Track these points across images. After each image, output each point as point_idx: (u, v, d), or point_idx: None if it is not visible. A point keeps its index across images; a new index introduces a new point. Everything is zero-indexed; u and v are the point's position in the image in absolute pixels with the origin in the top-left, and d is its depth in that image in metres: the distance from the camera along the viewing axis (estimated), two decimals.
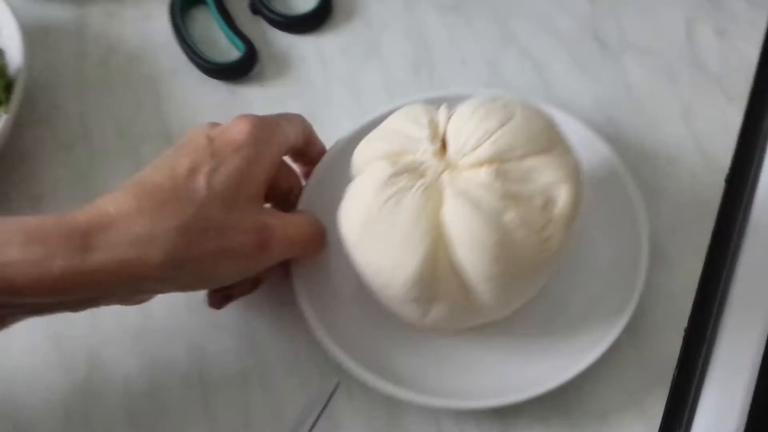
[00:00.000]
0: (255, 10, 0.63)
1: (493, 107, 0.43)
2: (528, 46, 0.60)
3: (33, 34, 0.59)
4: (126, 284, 0.40)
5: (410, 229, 0.40)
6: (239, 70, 0.60)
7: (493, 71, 0.59)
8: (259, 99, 0.60)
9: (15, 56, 0.56)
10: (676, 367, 0.47)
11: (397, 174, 0.41)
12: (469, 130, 0.42)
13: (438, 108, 0.44)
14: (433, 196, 0.41)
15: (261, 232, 0.43)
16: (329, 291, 0.48)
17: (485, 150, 0.41)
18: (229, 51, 0.61)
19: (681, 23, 0.59)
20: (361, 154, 0.45)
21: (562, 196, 0.41)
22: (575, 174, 0.42)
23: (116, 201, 0.40)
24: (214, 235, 0.41)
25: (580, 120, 0.51)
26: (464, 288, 0.41)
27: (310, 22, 0.62)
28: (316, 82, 0.60)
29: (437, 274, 0.41)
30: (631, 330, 0.46)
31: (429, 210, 0.41)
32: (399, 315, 0.45)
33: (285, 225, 0.45)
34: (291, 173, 0.50)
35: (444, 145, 0.43)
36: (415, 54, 0.60)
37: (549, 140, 0.43)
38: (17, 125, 0.56)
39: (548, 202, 0.41)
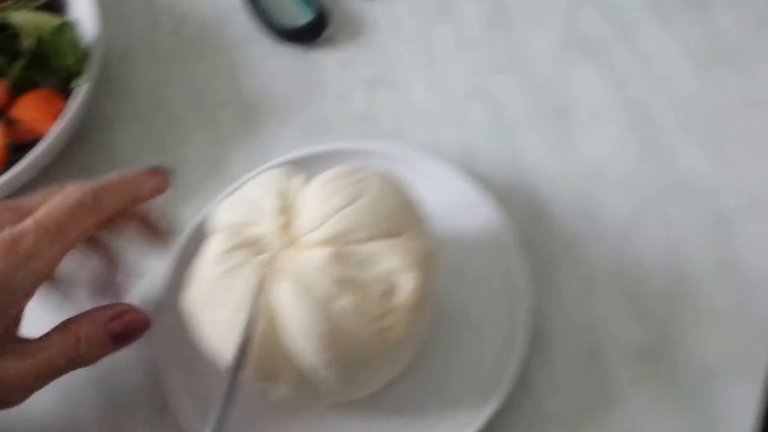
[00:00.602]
0: None
1: (345, 183, 0.40)
2: None
3: (106, 5, 0.60)
4: None
5: (240, 308, 0.38)
6: (310, 34, 0.59)
7: (570, 27, 0.57)
8: (330, 63, 0.59)
9: (89, 28, 0.57)
10: None
11: (234, 248, 0.39)
12: (315, 206, 0.39)
13: (298, 174, 0.42)
14: (269, 274, 0.38)
15: None
16: (196, 357, 0.43)
17: (327, 230, 0.38)
18: (300, 16, 0.61)
19: None
20: (213, 219, 0.42)
21: (406, 284, 0.38)
22: (423, 261, 0.39)
23: None
24: None
25: (472, 182, 0.48)
26: (303, 371, 0.38)
27: None
28: (387, 43, 0.59)
29: (271, 355, 0.38)
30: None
31: (262, 290, 0.38)
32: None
33: (28, 368, 0.38)
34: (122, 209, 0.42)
35: (292, 219, 0.40)
36: (488, 12, 0.59)
37: (398, 223, 0.39)
38: (94, 96, 0.57)
39: (390, 290, 0.38)
